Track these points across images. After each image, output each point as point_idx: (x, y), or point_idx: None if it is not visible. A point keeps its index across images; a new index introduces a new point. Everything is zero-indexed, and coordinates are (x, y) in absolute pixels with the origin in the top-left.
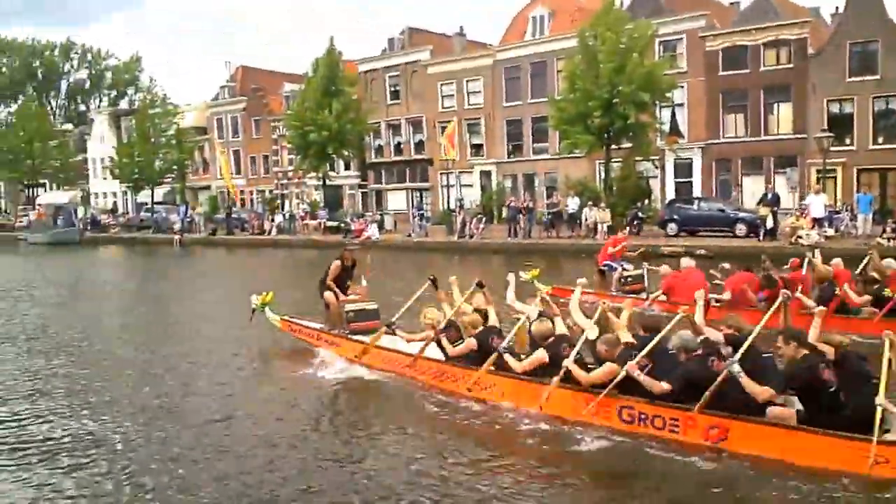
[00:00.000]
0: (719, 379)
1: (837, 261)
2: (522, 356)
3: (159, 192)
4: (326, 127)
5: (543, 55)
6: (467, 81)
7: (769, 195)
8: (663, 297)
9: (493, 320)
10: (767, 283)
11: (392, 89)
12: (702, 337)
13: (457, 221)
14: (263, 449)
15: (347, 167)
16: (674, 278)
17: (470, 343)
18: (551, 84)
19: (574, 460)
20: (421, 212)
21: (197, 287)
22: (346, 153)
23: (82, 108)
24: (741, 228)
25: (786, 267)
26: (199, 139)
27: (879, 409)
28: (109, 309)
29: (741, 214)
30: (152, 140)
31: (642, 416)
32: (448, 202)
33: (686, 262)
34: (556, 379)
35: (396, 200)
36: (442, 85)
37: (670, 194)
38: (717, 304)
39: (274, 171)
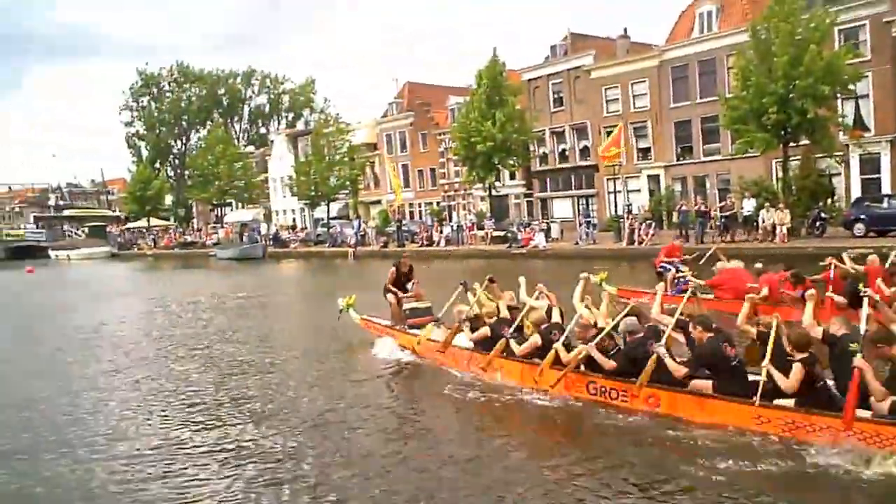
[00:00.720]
0: (651, 359)
1: (872, 258)
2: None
3: (334, 208)
4: (491, 137)
5: (712, 52)
6: (632, 84)
7: None
8: (710, 294)
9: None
10: (796, 280)
11: (555, 96)
12: (648, 324)
13: (624, 227)
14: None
15: (513, 177)
16: (720, 277)
17: (484, 331)
18: (721, 82)
19: (548, 421)
20: (588, 219)
21: (364, 294)
22: (511, 163)
23: (263, 130)
24: None
25: (822, 263)
26: (369, 155)
27: (764, 372)
28: (285, 312)
29: None
30: (327, 158)
31: (602, 389)
32: (615, 208)
33: (735, 263)
34: (545, 361)
35: (562, 208)
36: (606, 89)
37: (856, 192)
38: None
39: (440, 183)
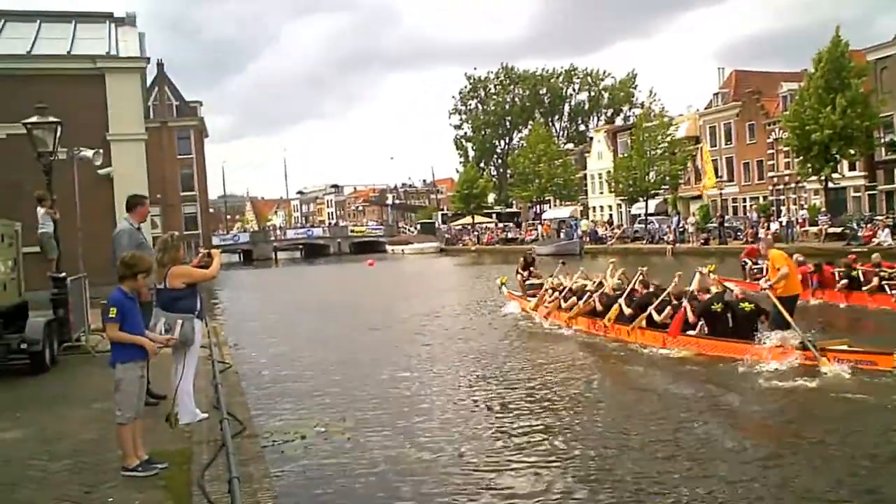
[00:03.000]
0: (614, 307)
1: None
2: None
3: (652, 204)
4: (830, 125)
5: None
6: None
7: None
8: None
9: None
10: (815, 269)
11: None
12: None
13: None
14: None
15: (853, 167)
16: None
17: (556, 296)
18: None
19: (569, 343)
20: None
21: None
22: (851, 152)
23: (582, 127)
24: None
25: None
26: (690, 149)
27: (648, 312)
28: None
29: None
30: (647, 153)
31: (599, 326)
32: None
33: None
34: (573, 311)
35: None
36: None
37: None
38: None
39: (768, 176)
